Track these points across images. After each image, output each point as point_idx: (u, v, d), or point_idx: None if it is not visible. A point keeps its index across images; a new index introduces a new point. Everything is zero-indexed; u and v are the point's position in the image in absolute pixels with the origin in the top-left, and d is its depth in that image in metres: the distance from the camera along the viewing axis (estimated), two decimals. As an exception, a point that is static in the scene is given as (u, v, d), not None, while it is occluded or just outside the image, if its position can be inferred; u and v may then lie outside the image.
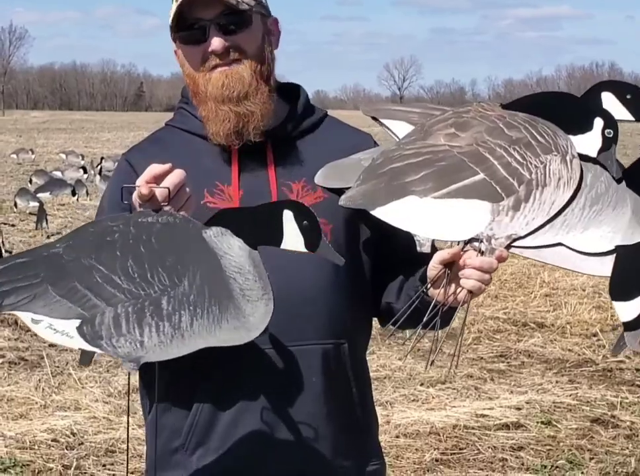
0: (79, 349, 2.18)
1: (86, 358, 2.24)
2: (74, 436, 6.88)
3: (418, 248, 2.47)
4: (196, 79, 2.64)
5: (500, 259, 2.44)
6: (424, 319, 2.44)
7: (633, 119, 2.58)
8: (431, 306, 2.45)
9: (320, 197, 2.66)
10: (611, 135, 2.49)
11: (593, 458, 6.61)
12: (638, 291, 2.47)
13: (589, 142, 2.50)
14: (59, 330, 2.10)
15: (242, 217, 2.16)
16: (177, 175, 2.30)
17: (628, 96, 2.55)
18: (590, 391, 8.05)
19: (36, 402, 7.55)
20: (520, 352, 9.28)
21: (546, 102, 2.60)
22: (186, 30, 2.63)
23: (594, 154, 2.50)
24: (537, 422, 7.24)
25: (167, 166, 2.30)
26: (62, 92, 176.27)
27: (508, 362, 8.98)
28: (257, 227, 2.14)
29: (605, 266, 2.50)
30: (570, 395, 7.90)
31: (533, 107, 2.55)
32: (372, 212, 2.45)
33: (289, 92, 2.76)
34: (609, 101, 2.55)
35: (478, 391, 8.02)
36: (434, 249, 2.51)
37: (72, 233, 2.20)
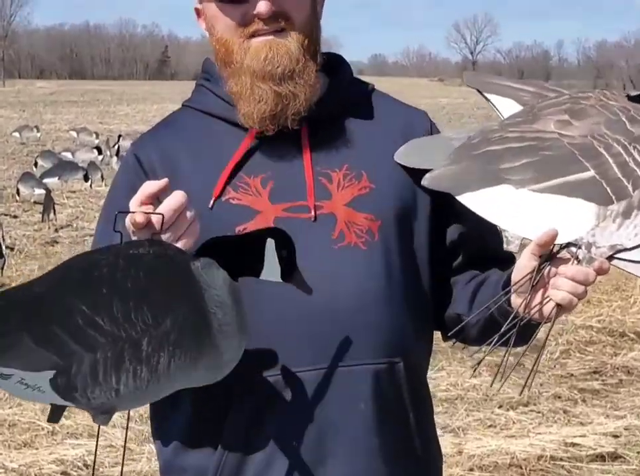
0: (50, 404, 2.27)
1: (56, 415, 2.34)
2: (87, 468, 6.94)
3: (504, 246, 2.50)
4: (229, 45, 2.61)
5: (600, 271, 2.45)
6: (501, 330, 2.45)
7: None
8: (511, 316, 2.46)
9: (366, 187, 2.63)
10: None
11: None
12: None
13: None
14: (30, 385, 2.18)
15: (229, 247, 2.27)
16: (176, 199, 2.29)
17: None
18: (703, 415, 8.01)
19: (43, 428, 7.63)
20: (618, 368, 9.26)
21: None
22: None
23: None
24: (638, 452, 7.22)
25: (163, 182, 2.30)
26: (73, 58, 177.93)
27: (603, 380, 8.96)
28: (242, 257, 2.27)
29: None
30: (678, 420, 7.87)
31: None
32: (459, 197, 2.52)
33: (329, 63, 2.71)
34: None
35: (567, 414, 8.02)
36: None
37: (54, 271, 2.27)
